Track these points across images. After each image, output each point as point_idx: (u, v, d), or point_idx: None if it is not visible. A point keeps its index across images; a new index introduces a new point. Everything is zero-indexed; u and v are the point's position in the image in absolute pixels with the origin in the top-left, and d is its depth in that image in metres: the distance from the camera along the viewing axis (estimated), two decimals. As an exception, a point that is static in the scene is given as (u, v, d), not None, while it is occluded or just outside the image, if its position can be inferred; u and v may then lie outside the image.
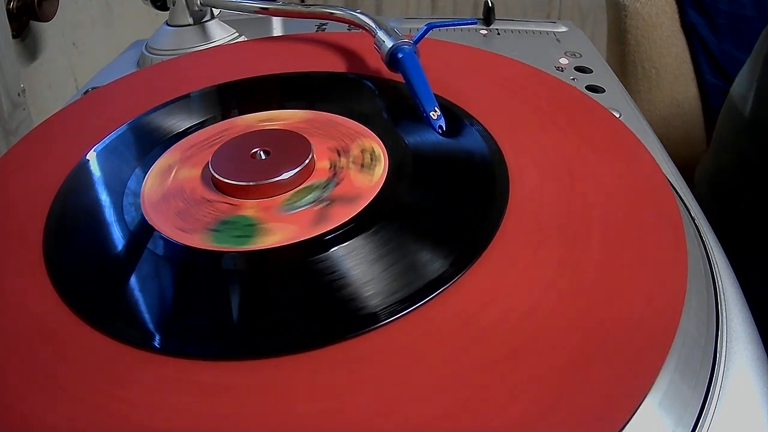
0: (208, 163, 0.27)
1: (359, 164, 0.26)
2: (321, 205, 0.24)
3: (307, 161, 0.26)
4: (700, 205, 0.28)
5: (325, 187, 0.25)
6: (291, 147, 0.27)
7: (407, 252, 0.22)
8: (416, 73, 0.30)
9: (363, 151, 0.27)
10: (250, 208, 0.25)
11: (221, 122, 0.31)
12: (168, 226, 0.24)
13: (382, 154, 0.27)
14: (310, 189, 0.25)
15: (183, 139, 0.30)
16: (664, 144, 0.34)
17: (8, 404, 0.18)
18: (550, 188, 0.25)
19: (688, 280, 0.21)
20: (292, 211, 0.24)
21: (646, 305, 0.20)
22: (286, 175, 0.25)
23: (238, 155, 0.27)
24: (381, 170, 0.26)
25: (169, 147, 0.29)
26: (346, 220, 0.23)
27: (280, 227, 0.23)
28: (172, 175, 0.27)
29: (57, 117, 0.33)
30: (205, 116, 0.31)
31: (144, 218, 0.25)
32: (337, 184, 0.25)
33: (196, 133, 0.30)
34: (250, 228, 0.24)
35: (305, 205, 0.24)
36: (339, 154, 0.27)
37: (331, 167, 0.26)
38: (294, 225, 0.23)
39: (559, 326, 0.19)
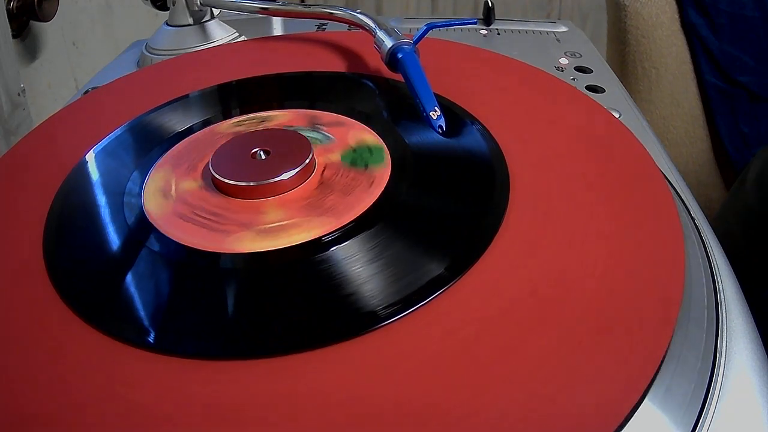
0: (207, 165, 0.27)
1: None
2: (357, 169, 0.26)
3: (307, 161, 0.26)
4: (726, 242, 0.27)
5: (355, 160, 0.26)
6: (291, 147, 0.27)
7: (407, 252, 0.22)
8: (416, 72, 0.30)
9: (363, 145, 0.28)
10: (274, 207, 0.25)
11: (208, 128, 0.31)
12: (199, 239, 0.23)
13: (384, 149, 0.27)
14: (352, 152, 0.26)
15: (169, 151, 0.29)
16: (664, 144, 0.34)
17: (8, 403, 0.18)
18: (550, 188, 0.25)
19: (688, 280, 0.21)
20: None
21: (645, 305, 0.20)
22: (286, 175, 0.25)
23: (238, 155, 0.27)
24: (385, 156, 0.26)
25: (168, 147, 0.29)
26: (296, 243, 0.23)
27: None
28: (173, 191, 0.26)
29: (57, 117, 0.33)
30: (204, 116, 0.31)
31: (143, 218, 0.25)
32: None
33: (187, 138, 0.30)
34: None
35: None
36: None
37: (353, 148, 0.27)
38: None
39: (558, 327, 0.19)
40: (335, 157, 0.27)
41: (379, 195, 0.24)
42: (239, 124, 0.31)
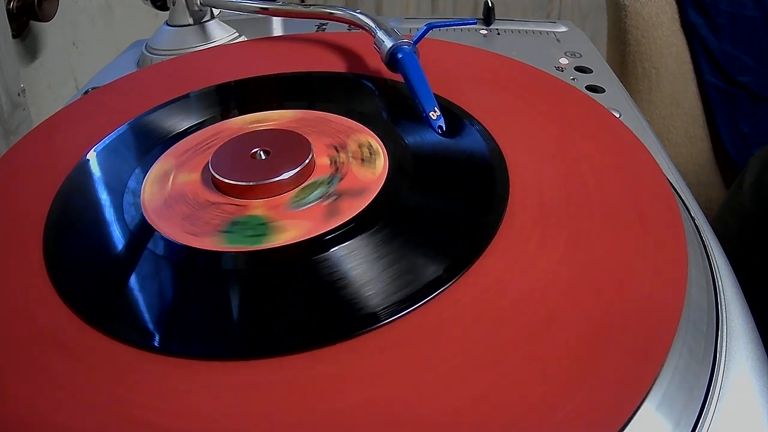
0: (207, 165, 0.27)
1: (359, 158, 0.26)
2: (330, 200, 0.24)
3: (307, 161, 0.26)
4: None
5: (329, 182, 0.25)
6: (291, 147, 0.27)
7: (408, 251, 0.22)
8: (416, 73, 0.30)
9: (360, 146, 0.27)
10: (257, 208, 0.25)
11: (211, 126, 0.31)
12: (177, 232, 0.24)
13: (380, 148, 0.27)
14: (315, 185, 0.25)
15: (175, 145, 0.29)
16: (664, 144, 0.34)
17: (8, 403, 0.18)
18: (550, 188, 0.25)
19: (688, 280, 0.21)
20: (302, 208, 0.24)
21: (646, 305, 0.20)
22: (286, 175, 0.25)
23: (238, 155, 0.27)
24: (382, 163, 0.26)
25: (168, 147, 0.29)
26: (357, 213, 0.23)
27: (293, 224, 0.23)
28: (170, 181, 0.27)
29: (57, 117, 0.33)
30: (204, 116, 0.31)
31: (144, 218, 0.25)
32: (342, 178, 0.25)
33: (188, 137, 0.30)
34: (262, 227, 0.24)
35: (314, 200, 0.25)
36: (337, 150, 0.27)
37: (331, 163, 0.27)
38: (307, 221, 0.23)
39: (558, 327, 0.19)
40: (334, 152, 0.27)
41: (383, 189, 0.25)
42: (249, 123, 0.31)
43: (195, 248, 0.23)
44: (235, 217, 0.24)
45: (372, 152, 0.27)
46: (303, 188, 0.25)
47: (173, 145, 0.29)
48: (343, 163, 0.26)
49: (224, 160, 0.27)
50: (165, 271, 0.23)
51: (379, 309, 0.20)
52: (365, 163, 0.26)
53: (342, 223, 0.23)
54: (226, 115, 0.31)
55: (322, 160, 0.27)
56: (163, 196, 0.26)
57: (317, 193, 0.25)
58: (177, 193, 0.26)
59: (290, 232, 0.23)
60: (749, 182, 0.52)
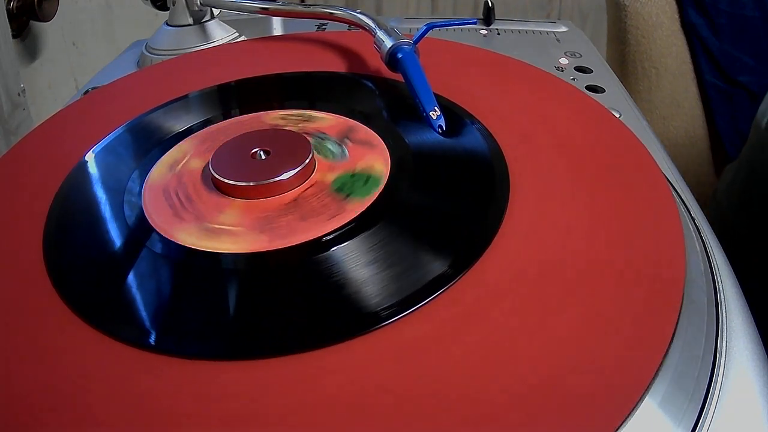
0: (208, 162, 0.27)
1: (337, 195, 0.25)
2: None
3: (307, 161, 0.26)
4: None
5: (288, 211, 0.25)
6: (291, 147, 0.27)
7: (408, 252, 0.22)
8: (416, 72, 0.30)
9: (353, 177, 0.26)
10: (235, 208, 0.25)
11: (250, 114, 0.31)
12: (157, 216, 0.25)
13: (379, 182, 0.25)
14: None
15: (205, 128, 0.30)
16: (664, 144, 0.34)
17: (9, 403, 0.18)
18: (550, 188, 0.25)
19: (688, 280, 0.21)
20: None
21: (646, 305, 0.20)
22: (286, 175, 0.25)
23: (239, 155, 0.27)
24: (353, 206, 0.24)
25: (168, 147, 0.29)
26: (296, 243, 0.23)
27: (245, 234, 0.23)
28: (182, 163, 0.28)
29: (57, 117, 0.33)
30: (204, 116, 0.31)
31: (143, 218, 0.25)
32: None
33: (225, 121, 0.31)
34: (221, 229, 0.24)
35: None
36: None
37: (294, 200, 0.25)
38: (244, 234, 0.23)
39: (558, 327, 0.19)
40: (330, 177, 0.26)
41: (333, 228, 0.23)
42: (284, 117, 0.31)
43: (195, 248, 0.23)
44: (214, 213, 0.25)
45: (353, 189, 0.25)
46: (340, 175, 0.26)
47: (172, 145, 0.29)
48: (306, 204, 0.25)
49: (225, 158, 0.27)
50: (164, 271, 0.23)
51: (380, 309, 0.20)
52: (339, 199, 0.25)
53: (335, 227, 0.23)
54: (227, 116, 0.31)
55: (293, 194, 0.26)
56: (167, 178, 0.27)
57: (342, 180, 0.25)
58: (179, 177, 0.27)
59: (225, 243, 0.23)
60: (725, 184, 0.52)
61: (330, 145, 0.28)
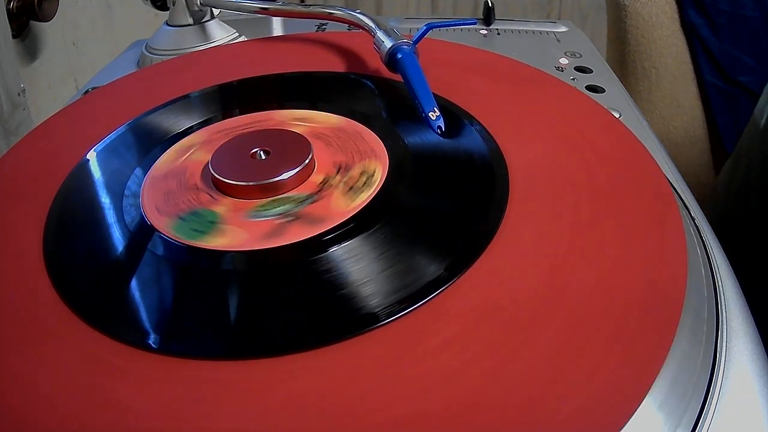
0: (208, 161, 0.27)
1: (349, 186, 0.25)
2: (283, 220, 0.24)
3: (306, 161, 0.26)
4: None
5: (302, 201, 0.25)
6: (291, 147, 0.27)
7: (407, 252, 0.22)
8: (415, 73, 0.30)
9: (362, 173, 0.26)
10: (223, 205, 0.25)
11: (257, 113, 0.31)
12: (149, 203, 0.25)
13: (378, 180, 0.26)
14: (287, 200, 0.25)
15: (215, 124, 0.31)
16: (664, 144, 0.34)
17: (8, 403, 0.18)
18: (550, 188, 0.25)
19: (688, 279, 0.21)
20: (255, 219, 0.24)
21: (647, 305, 0.20)
22: (285, 175, 0.25)
23: (239, 155, 0.27)
24: (365, 196, 0.25)
25: (168, 147, 0.29)
26: (296, 241, 0.23)
27: (233, 231, 0.23)
28: (188, 155, 0.28)
29: (57, 117, 0.33)
30: (205, 116, 0.31)
31: (143, 218, 0.25)
32: (314, 202, 0.25)
33: (233, 118, 0.31)
34: (210, 225, 0.24)
35: (270, 216, 0.24)
36: (338, 171, 0.26)
37: (321, 182, 0.26)
38: (246, 233, 0.23)
39: (559, 327, 0.19)
40: (333, 172, 0.26)
41: (348, 221, 0.23)
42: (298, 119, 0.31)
43: (195, 248, 0.23)
44: (198, 207, 0.25)
45: (367, 183, 0.25)
46: (273, 200, 0.25)
47: (172, 145, 0.29)
48: (331, 186, 0.26)
49: (225, 157, 0.27)
50: (164, 271, 0.23)
51: (379, 309, 0.20)
52: (349, 193, 0.25)
53: (332, 226, 0.23)
54: (228, 116, 0.31)
55: (318, 177, 0.26)
56: (169, 167, 0.27)
57: (281, 209, 0.24)
58: (181, 168, 0.27)
59: (225, 239, 0.23)
60: (723, 177, 0.52)
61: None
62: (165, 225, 0.24)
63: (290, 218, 0.24)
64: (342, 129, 0.29)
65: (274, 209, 0.24)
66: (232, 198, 0.25)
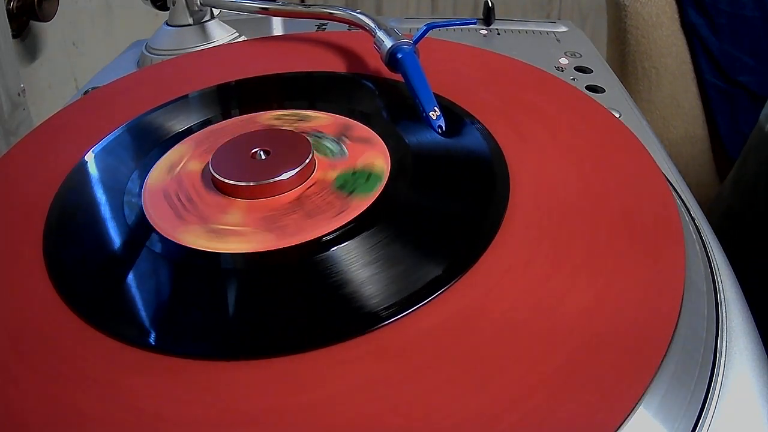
0: (207, 163, 0.27)
1: (351, 185, 0.25)
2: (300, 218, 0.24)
3: (307, 161, 0.26)
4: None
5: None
6: (291, 147, 0.27)
7: (407, 252, 0.22)
8: (416, 73, 0.30)
9: (364, 171, 0.26)
10: (240, 210, 0.25)
11: (244, 116, 0.31)
12: (157, 217, 0.25)
13: (382, 175, 0.26)
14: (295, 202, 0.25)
15: (201, 130, 0.30)
16: (664, 144, 0.34)
17: (8, 403, 0.18)
18: (550, 188, 0.25)
19: (688, 280, 0.21)
20: (274, 222, 0.24)
21: (645, 305, 0.20)
22: (285, 175, 0.25)
23: (239, 155, 0.27)
24: (374, 191, 0.25)
25: (168, 147, 0.29)
26: (296, 242, 0.23)
27: (256, 235, 0.23)
28: (180, 166, 0.28)
29: (57, 117, 0.33)
30: (205, 116, 0.31)
31: (143, 218, 0.25)
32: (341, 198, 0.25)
33: (216, 124, 0.31)
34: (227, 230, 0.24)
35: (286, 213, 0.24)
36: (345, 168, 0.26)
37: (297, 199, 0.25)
38: (272, 235, 0.23)
39: (557, 327, 0.19)
40: (332, 175, 0.26)
41: (340, 225, 0.23)
42: (279, 117, 0.31)
43: (195, 248, 0.23)
44: (216, 214, 0.24)
45: (370, 179, 0.25)
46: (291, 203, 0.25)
47: (173, 145, 0.29)
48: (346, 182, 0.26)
49: (225, 158, 0.27)
50: (164, 271, 0.23)
51: (379, 309, 0.20)
52: (356, 190, 0.25)
53: (343, 223, 0.23)
54: (227, 116, 0.31)
55: (332, 174, 0.26)
56: (165, 180, 0.27)
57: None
58: (178, 179, 0.27)
59: (250, 243, 0.23)
60: (730, 175, 0.52)
61: (328, 144, 0.28)
62: (175, 232, 0.24)
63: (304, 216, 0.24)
64: (335, 124, 0.30)
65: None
66: (234, 198, 0.25)
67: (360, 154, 0.27)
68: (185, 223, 0.24)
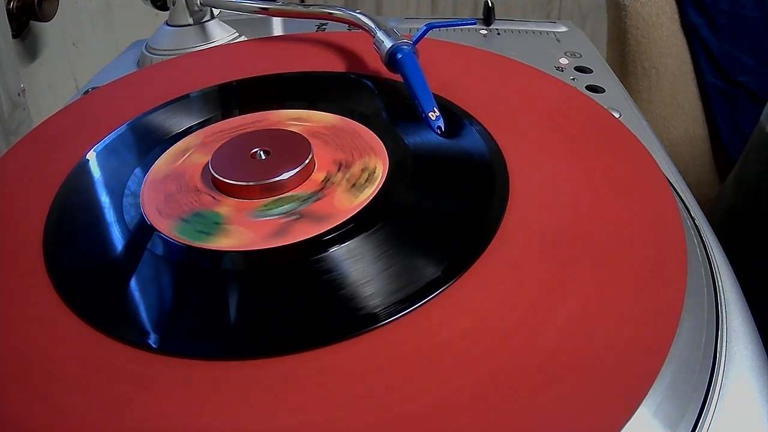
0: (208, 162, 0.27)
1: (351, 183, 0.25)
2: (288, 218, 0.24)
3: (307, 161, 0.26)
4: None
5: (305, 200, 0.25)
6: (291, 147, 0.27)
7: (406, 252, 0.22)
8: (415, 73, 0.30)
9: (363, 170, 0.26)
10: (226, 206, 0.25)
11: (253, 114, 0.31)
12: (150, 206, 0.25)
13: (380, 176, 0.26)
14: (290, 199, 0.25)
15: (211, 125, 0.31)
16: (664, 144, 0.34)
17: (8, 403, 0.18)
18: (550, 188, 0.25)
19: (688, 279, 0.21)
20: (260, 218, 0.24)
21: (646, 305, 0.20)
22: (285, 175, 0.25)
23: (239, 155, 0.27)
24: (369, 192, 0.25)
25: (168, 147, 0.29)
26: (296, 241, 0.23)
27: (239, 232, 0.23)
28: (185, 157, 0.28)
29: (57, 117, 0.33)
30: (205, 116, 0.31)
31: (143, 218, 0.25)
32: (318, 200, 0.25)
33: (228, 120, 0.31)
34: (214, 226, 0.24)
35: (275, 215, 0.24)
36: (339, 169, 0.26)
37: (323, 180, 0.26)
38: (252, 233, 0.23)
39: (558, 327, 0.19)
40: (334, 170, 0.26)
41: (354, 216, 0.23)
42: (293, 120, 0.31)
43: (195, 248, 0.23)
44: (200, 209, 0.25)
45: (369, 180, 0.25)
46: (277, 199, 0.25)
47: (173, 145, 0.29)
48: (333, 183, 0.26)
49: (225, 158, 0.27)
50: (165, 271, 0.23)
51: (378, 309, 0.20)
52: (352, 190, 0.25)
53: (338, 223, 0.23)
54: (227, 116, 0.31)
55: (319, 175, 0.26)
56: (168, 170, 0.27)
57: (285, 208, 0.24)
58: (179, 170, 0.27)
59: (232, 239, 0.23)
60: (731, 175, 0.52)
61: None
62: (167, 227, 0.24)
63: (294, 217, 0.24)
64: (338, 127, 0.29)
65: (278, 208, 0.24)
66: (234, 198, 0.25)
67: (358, 157, 0.27)
68: (181, 220, 0.24)
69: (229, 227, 0.24)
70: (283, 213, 0.24)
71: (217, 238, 0.23)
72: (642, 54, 0.71)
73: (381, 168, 0.26)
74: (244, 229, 0.24)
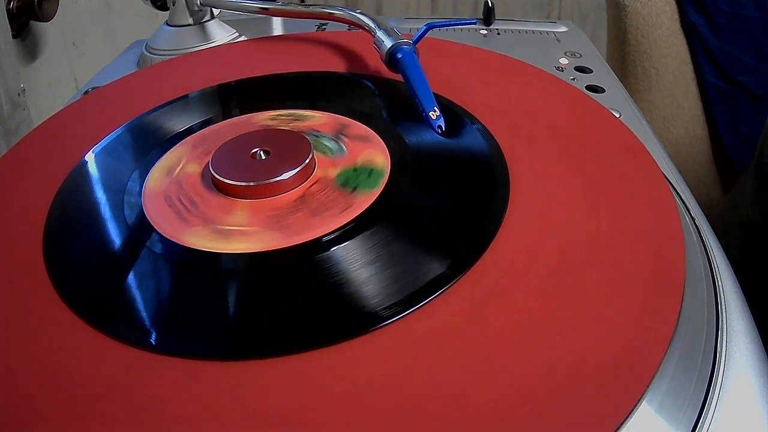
0: (208, 162, 0.27)
1: (353, 183, 0.25)
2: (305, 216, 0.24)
3: (307, 161, 0.26)
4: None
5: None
6: (291, 147, 0.27)
7: (407, 252, 0.22)
8: (415, 73, 0.30)
9: (365, 168, 0.26)
10: (243, 210, 0.25)
11: (238, 117, 0.31)
12: (157, 218, 0.25)
13: (383, 173, 0.26)
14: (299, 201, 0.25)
15: (196, 133, 0.30)
16: (664, 144, 0.34)
17: (9, 403, 0.18)
18: (550, 188, 0.25)
19: (688, 280, 0.21)
20: (278, 221, 0.24)
21: (645, 305, 0.20)
22: (286, 175, 0.25)
23: (239, 156, 0.27)
24: (377, 187, 0.25)
25: (168, 147, 0.29)
26: (296, 242, 0.23)
27: (260, 234, 0.23)
28: (179, 169, 0.28)
29: (57, 117, 0.33)
30: (205, 116, 0.31)
31: (143, 218, 0.25)
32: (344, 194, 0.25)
33: (213, 126, 0.31)
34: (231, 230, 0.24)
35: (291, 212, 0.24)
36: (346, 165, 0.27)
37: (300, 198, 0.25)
38: (278, 234, 0.23)
39: (557, 326, 0.19)
40: (333, 173, 0.26)
41: (345, 223, 0.23)
42: (274, 118, 0.31)
43: (195, 248, 0.23)
44: (214, 215, 0.24)
45: (371, 176, 0.25)
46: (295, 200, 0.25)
47: (173, 145, 0.29)
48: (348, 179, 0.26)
49: (225, 158, 0.27)
50: (164, 270, 0.23)
51: (380, 309, 0.20)
52: (357, 188, 0.25)
53: (343, 223, 0.23)
54: (227, 115, 0.31)
55: (333, 171, 0.26)
56: (164, 184, 0.27)
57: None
58: (177, 182, 0.27)
59: (252, 243, 0.23)
60: (748, 187, 0.52)
61: (326, 142, 0.28)
62: (179, 234, 0.24)
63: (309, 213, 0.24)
64: (329, 123, 0.30)
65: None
66: (248, 200, 0.25)
67: (359, 152, 0.27)
68: (189, 225, 0.24)
69: (248, 229, 0.23)
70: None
71: (237, 244, 0.23)
72: (642, 54, 0.71)
73: (382, 164, 0.26)
74: (266, 231, 0.23)
